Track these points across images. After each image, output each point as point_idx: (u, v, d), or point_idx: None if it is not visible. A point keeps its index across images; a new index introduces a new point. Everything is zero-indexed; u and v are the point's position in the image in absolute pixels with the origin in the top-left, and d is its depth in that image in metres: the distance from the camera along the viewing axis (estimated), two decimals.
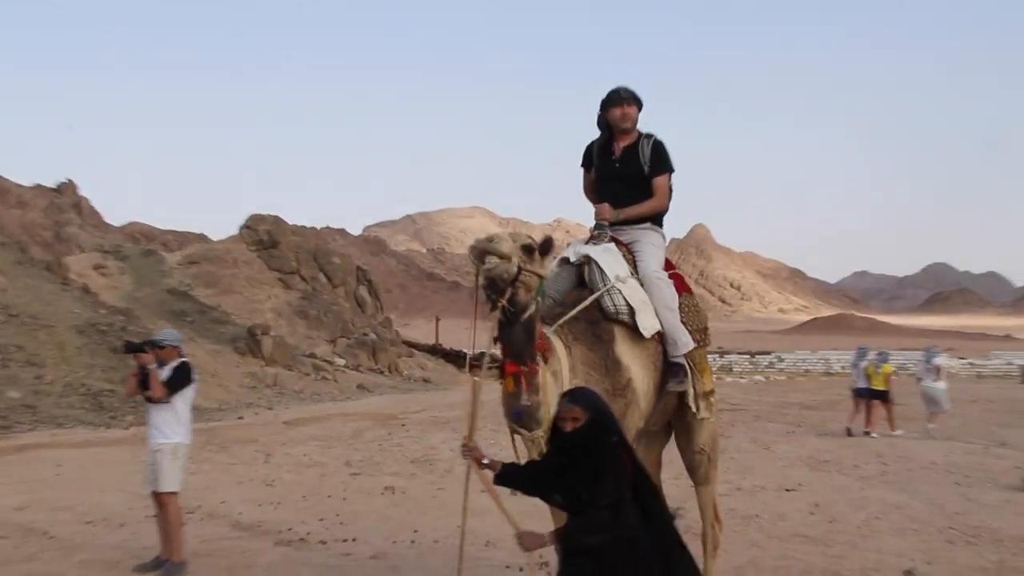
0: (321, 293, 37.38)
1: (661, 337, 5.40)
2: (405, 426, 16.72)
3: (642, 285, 5.45)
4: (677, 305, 5.54)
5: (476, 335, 4.72)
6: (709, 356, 6.09)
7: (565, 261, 5.58)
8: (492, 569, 6.97)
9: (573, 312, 5.16)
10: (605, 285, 5.30)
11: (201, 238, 76.69)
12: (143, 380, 6.84)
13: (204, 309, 31.15)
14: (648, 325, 5.29)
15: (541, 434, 4.50)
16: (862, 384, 16.92)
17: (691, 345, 5.50)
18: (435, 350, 40.29)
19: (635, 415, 5.14)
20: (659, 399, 5.42)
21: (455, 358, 37.86)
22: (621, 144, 5.80)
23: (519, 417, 4.67)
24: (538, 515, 5.29)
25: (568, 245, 5.80)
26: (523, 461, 4.47)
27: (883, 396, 16.64)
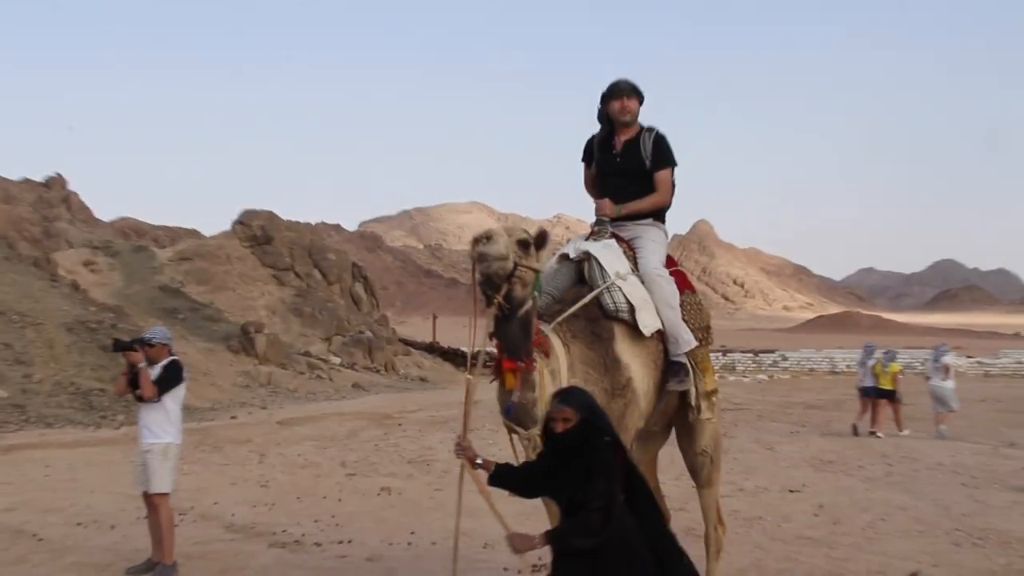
0: (316, 290, 37.37)
1: (662, 335, 5.40)
2: (402, 426, 16.73)
3: (643, 282, 5.46)
4: (678, 303, 5.54)
5: (475, 333, 4.74)
6: (711, 355, 6.10)
7: (565, 257, 5.59)
8: (490, 572, 6.99)
9: (572, 309, 5.17)
10: (605, 282, 5.30)
11: (193, 234, 76.64)
12: (133, 379, 6.84)
13: (196, 306, 31.13)
14: (648, 323, 5.29)
15: (537, 433, 4.52)
16: (869, 383, 16.95)
17: (693, 344, 5.50)
18: (432, 348, 40.30)
19: (635, 415, 5.15)
20: (660, 399, 5.43)
21: (453, 356, 37.87)
22: (622, 138, 5.80)
23: (509, 413, 4.69)
24: (537, 516, 5.31)
25: (568, 241, 5.81)
26: (521, 461, 4.48)
27: (890, 395, 16.67)
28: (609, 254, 5.45)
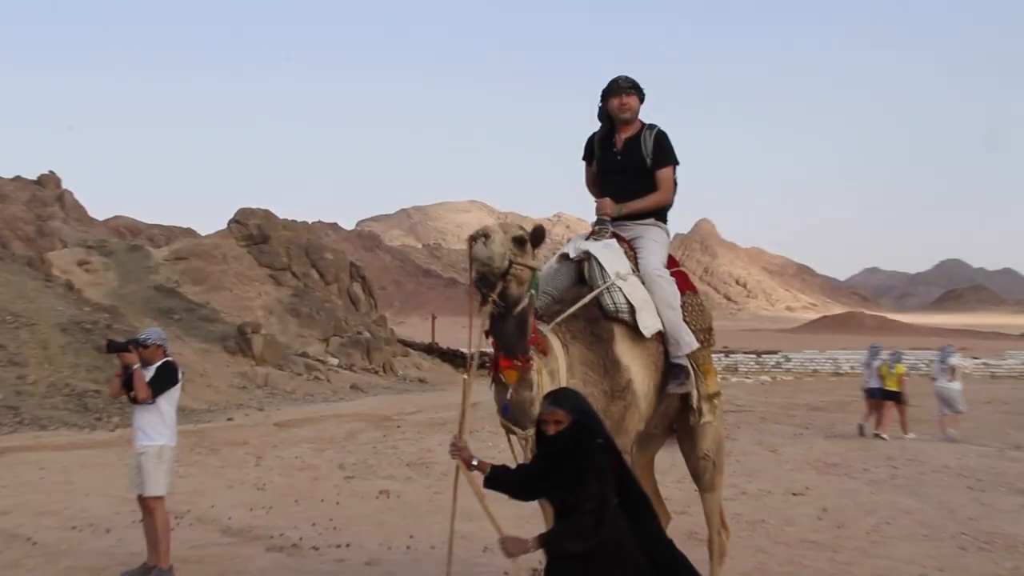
0: (313, 290, 37.36)
1: (662, 337, 5.40)
2: (400, 428, 16.74)
3: (643, 283, 5.45)
4: (679, 304, 5.54)
5: (471, 333, 4.75)
6: (714, 356, 6.10)
7: (565, 257, 5.58)
8: None
9: (571, 310, 5.17)
10: (605, 282, 5.30)
11: (189, 233, 76.63)
12: (127, 381, 6.85)
13: (192, 307, 31.12)
14: (649, 324, 5.28)
15: (534, 433, 4.55)
16: (874, 384, 16.94)
17: (694, 345, 5.50)
18: (431, 349, 40.29)
19: (635, 417, 5.14)
20: (660, 401, 5.42)
21: (452, 357, 37.88)
22: (623, 136, 5.80)
23: (507, 412, 4.70)
24: (537, 519, 5.31)
25: (569, 240, 5.81)
26: (519, 463, 4.49)
27: (896, 397, 16.67)
28: (609, 254, 5.45)
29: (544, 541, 3.70)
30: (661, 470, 6.49)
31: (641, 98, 5.82)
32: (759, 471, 12.17)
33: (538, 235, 4.72)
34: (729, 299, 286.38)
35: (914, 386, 17.70)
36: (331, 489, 10.68)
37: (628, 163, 5.74)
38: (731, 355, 43.69)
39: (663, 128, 5.80)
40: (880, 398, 16.75)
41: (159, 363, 6.93)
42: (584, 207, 5.82)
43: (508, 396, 4.70)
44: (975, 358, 43.15)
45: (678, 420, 5.81)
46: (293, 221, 43.73)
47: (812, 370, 39.95)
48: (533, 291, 4.74)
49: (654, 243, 5.71)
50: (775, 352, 46.45)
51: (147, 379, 6.80)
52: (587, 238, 5.64)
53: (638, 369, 5.20)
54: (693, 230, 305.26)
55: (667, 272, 5.62)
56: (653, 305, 5.38)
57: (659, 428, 5.79)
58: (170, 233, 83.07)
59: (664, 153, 5.73)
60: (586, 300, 5.23)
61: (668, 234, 5.91)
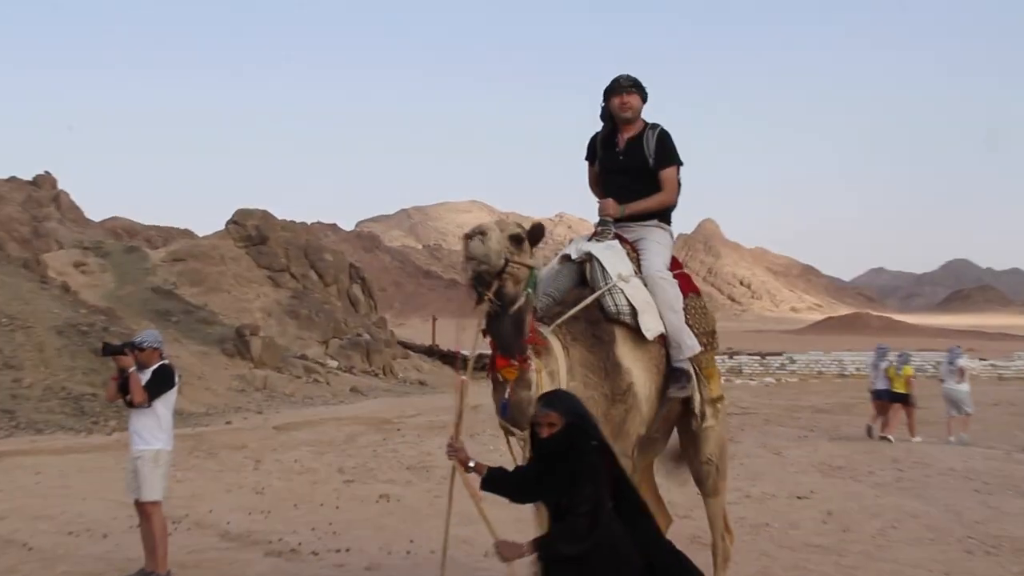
0: (312, 291, 37.39)
1: (664, 340, 5.40)
2: (400, 431, 16.75)
3: (646, 285, 5.45)
4: (682, 306, 5.52)
5: (471, 333, 4.75)
6: (717, 358, 6.09)
7: (566, 258, 5.58)
8: None
9: (572, 312, 5.16)
10: (607, 284, 5.29)
11: (186, 234, 76.68)
12: (123, 384, 6.85)
13: (190, 309, 31.15)
14: (651, 327, 5.28)
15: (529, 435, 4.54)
16: (881, 385, 16.93)
17: (696, 349, 5.48)
18: (431, 351, 40.30)
19: (636, 421, 5.13)
20: (662, 405, 5.42)
21: (452, 359, 37.86)
22: (625, 135, 5.79)
23: (505, 412, 4.69)
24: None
25: (571, 241, 5.81)
26: (517, 464, 4.49)
27: (904, 399, 16.64)
28: (611, 255, 5.44)
29: (538, 545, 3.71)
30: (664, 474, 6.49)
31: (643, 97, 5.80)
32: (763, 474, 12.17)
33: (536, 233, 4.71)
34: (733, 300, 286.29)
35: (920, 388, 17.71)
36: (330, 493, 10.68)
37: (630, 163, 5.73)
38: (735, 356, 43.70)
39: (666, 128, 5.79)
40: (887, 400, 16.75)
41: (155, 366, 6.93)
42: (586, 207, 5.83)
43: (506, 396, 4.70)
44: (982, 359, 43.14)
45: (680, 424, 5.80)
46: (292, 222, 43.81)
47: (817, 372, 39.95)
48: (531, 290, 4.73)
49: (657, 245, 5.70)
50: (780, 353, 46.46)
51: (143, 382, 6.80)
52: (589, 239, 5.63)
53: (640, 372, 5.19)
54: (697, 230, 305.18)
55: (670, 274, 5.61)
56: (655, 307, 5.37)
57: (660, 432, 5.78)
58: (167, 234, 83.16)
59: (667, 153, 5.71)
60: (587, 302, 5.22)
61: (672, 235, 5.89)
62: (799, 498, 10.57)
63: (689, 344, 5.43)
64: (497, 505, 4.31)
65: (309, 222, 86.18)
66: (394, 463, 12.97)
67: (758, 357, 43.88)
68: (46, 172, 71.82)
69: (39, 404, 17.33)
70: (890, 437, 16.03)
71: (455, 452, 4.34)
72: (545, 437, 3.79)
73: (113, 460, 12.10)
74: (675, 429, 5.92)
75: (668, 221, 5.89)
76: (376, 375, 32.03)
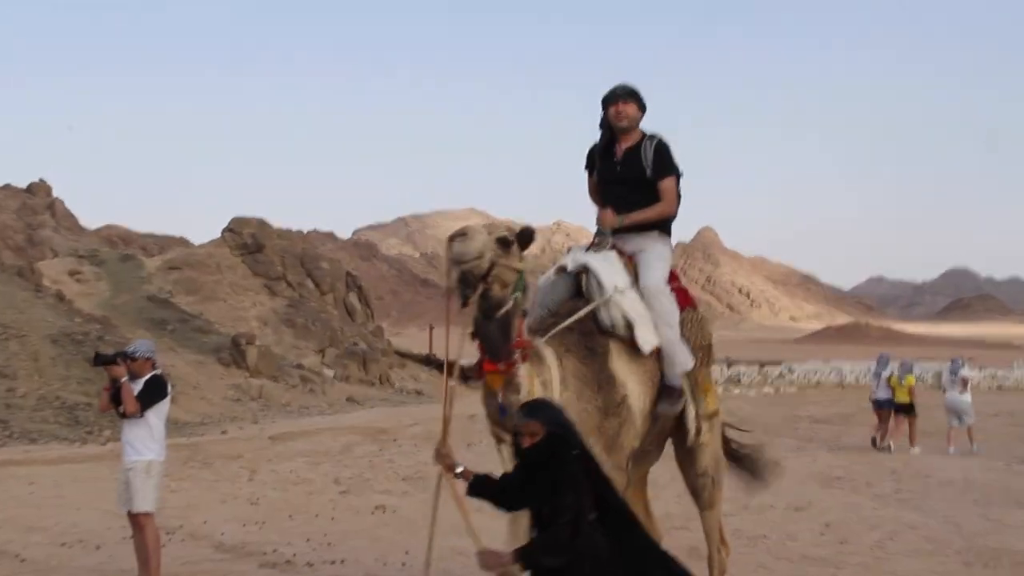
0: (309, 300, 37.37)
1: (659, 353, 5.40)
2: (397, 441, 16.74)
3: (642, 297, 5.44)
4: (678, 321, 5.52)
5: (448, 337, 4.73)
6: (716, 365, 6.10)
7: (562, 269, 5.58)
8: None
9: (566, 323, 5.15)
10: (602, 296, 5.28)
11: (182, 242, 76.58)
12: (115, 394, 6.85)
13: (185, 317, 31.11)
14: (646, 340, 5.26)
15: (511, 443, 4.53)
16: (883, 395, 16.91)
17: (689, 365, 5.47)
18: (429, 360, 40.24)
19: (630, 434, 5.12)
20: (655, 419, 5.42)
21: (463, 371, 37.73)
22: (623, 146, 5.78)
23: (504, 414, 4.67)
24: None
25: (569, 250, 5.81)
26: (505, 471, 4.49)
27: (908, 409, 16.60)
28: (608, 267, 5.42)
29: (520, 555, 3.71)
30: (660, 484, 6.50)
31: (641, 107, 5.78)
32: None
33: (525, 237, 4.67)
34: (732, 309, 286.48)
35: (920, 398, 17.68)
36: (326, 504, 10.68)
37: (628, 173, 5.71)
38: (733, 366, 43.67)
39: (665, 138, 5.77)
40: (888, 409, 16.73)
41: (148, 376, 6.92)
42: (584, 215, 5.81)
43: (500, 400, 4.69)
44: (982, 369, 43.12)
45: (675, 437, 5.80)
46: (288, 230, 43.74)
47: (816, 381, 39.90)
48: (519, 294, 4.70)
49: (656, 258, 5.66)
50: (778, 363, 46.42)
51: (136, 392, 6.80)
52: (586, 250, 5.62)
53: (634, 385, 5.19)
54: (696, 238, 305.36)
55: (667, 289, 5.59)
56: (651, 320, 5.36)
57: (654, 445, 5.78)
58: (163, 242, 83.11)
59: (665, 163, 5.69)
60: (581, 314, 5.21)
61: (671, 248, 5.88)
62: (797, 509, 10.58)
63: (681, 361, 5.42)
64: (490, 514, 4.31)
65: (305, 230, 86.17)
66: (390, 473, 12.96)
67: (757, 366, 43.83)
68: (41, 180, 71.73)
69: (33, 414, 17.29)
70: (891, 444, 16.03)
71: (442, 458, 4.34)
72: (526, 447, 3.80)
73: (107, 470, 12.06)
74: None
75: (668, 232, 5.87)
76: (373, 385, 31.97)
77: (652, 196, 5.70)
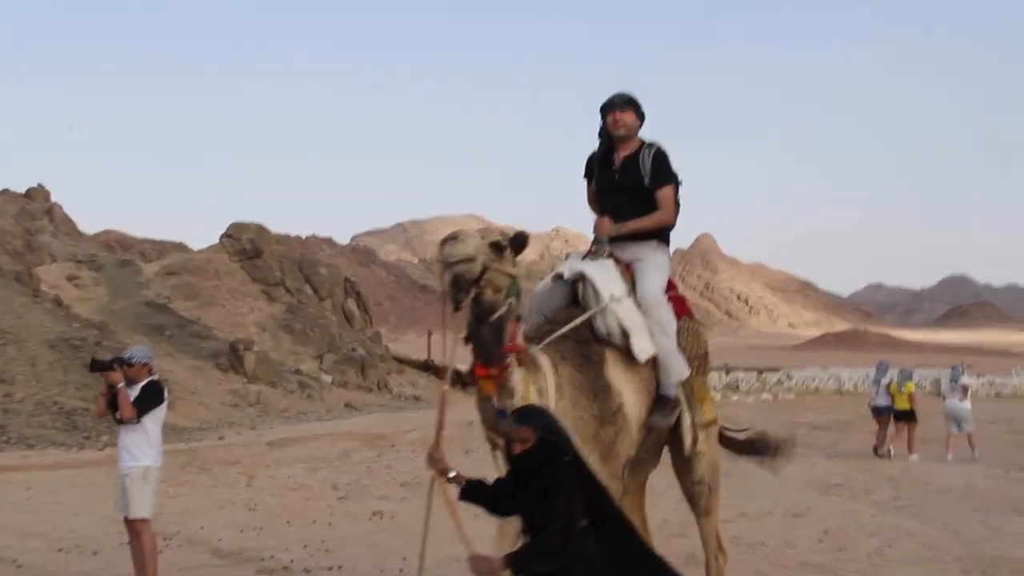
0: (307, 306, 37.37)
1: (655, 362, 5.40)
2: (395, 447, 16.72)
3: (639, 306, 5.43)
4: (675, 330, 5.51)
5: (444, 342, 4.73)
6: (714, 372, 6.10)
7: (559, 277, 5.58)
8: None
9: (561, 331, 5.15)
10: (598, 304, 5.28)
11: (180, 247, 76.64)
12: (112, 400, 6.84)
13: (183, 323, 31.11)
14: (642, 349, 5.26)
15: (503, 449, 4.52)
16: (882, 401, 16.90)
17: (685, 375, 5.47)
18: (427, 366, 40.21)
19: (626, 443, 5.12)
20: (651, 429, 5.41)
21: (457, 376, 37.67)
22: (621, 154, 5.78)
23: (502, 416, 4.67)
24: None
25: (567, 257, 5.81)
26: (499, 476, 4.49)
27: (909, 416, 16.57)
28: (604, 275, 5.42)
29: (512, 561, 3.71)
30: (658, 492, 6.49)
31: (639, 115, 5.78)
32: (759, 492, 12.14)
33: (518, 241, 4.68)
34: (730, 315, 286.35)
35: (918, 405, 17.68)
36: (324, 510, 10.67)
37: (626, 182, 5.72)
38: (732, 372, 43.61)
39: (664, 147, 5.77)
40: (888, 416, 16.72)
41: (144, 382, 6.92)
42: (583, 222, 5.80)
43: (496, 404, 4.68)
44: (980, 376, 43.10)
45: (671, 444, 5.79)
46: (286, 235, 43.81)
47: (814, 388, 39.86)
48: (513, 299, 4.71)
49: (654, 267, 5.66)
50: (777, 369, 46.37)
51: (132, 398, 6.79)
52: (583, 258, 5.63)
53: (630, 394, 5.19)
54: (694, 245, 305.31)
55: (665, 298, 5.58)
56: (647, 329, 5.35)
57: (650, 453, 5.77)
58: (161, 247, 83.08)
59: (662, 172, 5.70)
60: (576, 322, 5.21)
61: (670, 257, 5.88)
62: (795, 516, 10.57)
63: (677, 370, 5.43)
64: (486, 520, 4.30)
65: (304, 236, 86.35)
66: (388, 479, 12.95)
67: (755, 373, 43.78)
68: (39, 185, 71.73)
69: (30, 419, 17.28)
70: (891, 450, 16.03)
71: (435, 462, 4.34)
72: (518, 453, 3.79)
73: (105, 475, 12.05)
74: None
75: (667, 241, 5.86)
76: (371, 390, 31.97)
77: (650, 205, 5.70)
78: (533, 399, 4.70)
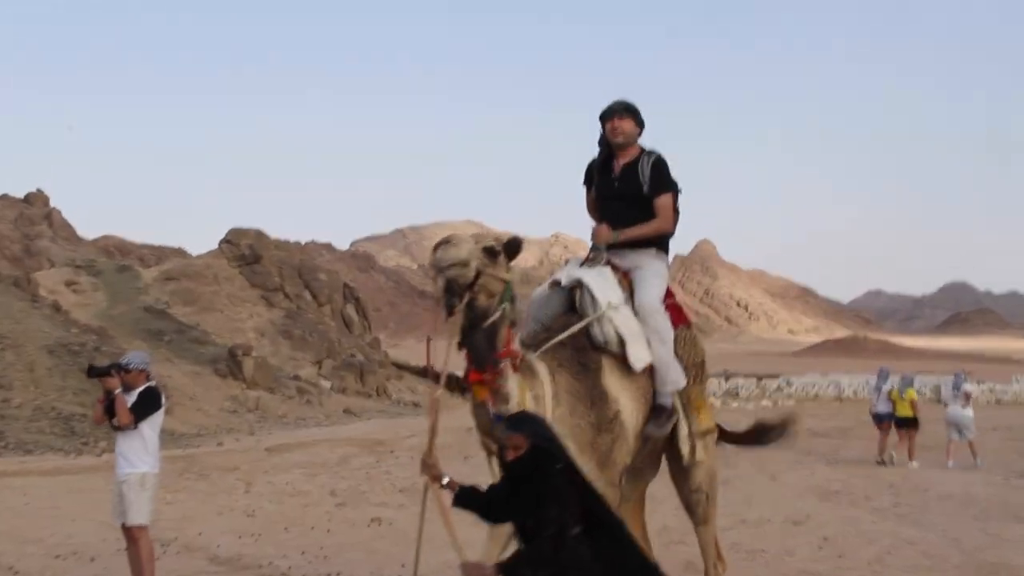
0: (306, 311, 37.38)
1: (653, 370, 5.40)
2: (394, 453, 16.71)
3: (636, 314, 5.43)
4: (672, 338, 5.51)
5: (428, 348, 4.73)
6: (713, 379, 6.10)
7: (556, 284, 5.58)
8: None
9: (558, 338, 5.15)
10: (596, 312, 5.27)
11: (179, 253, 76.55)
12: (109, 406, 6.83)
13: (182, 328, 31.11)
14: (639, 357, 5.26)
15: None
16: (883, 408, 16.88)
17: (681, 384, 5.47)
18: (426, 372, 40.14)
19: (623, 451, 5.11)
20: (647, 439, 5.41)
21: (451, 381, 37.67)
22: (621, 161, 5.79)
23: (499, 421, 4.66)
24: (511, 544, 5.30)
25: (567, 262, 5.81)
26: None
27: (912, 423, 16.54)
28: (602, 282, 5.41)
29: (504, 568, 3.70)
30: (659, 499, 6.48)
31: (639, 123, 5.78)
32: (758, 498, 12.15)
33: (512, 247, 4.69)
34: (730, 322, 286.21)
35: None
36: (322, 516, 10.66)
37: (625, 189, 5.71)
38: (731, 379, 43.62)
39: (663, 155, 5.78)
40: (889, 423, 16.70)
41: (142, 388, 6.91)
42: (583, 228, 5.80)
43: (492, 409, 4.68)
44: (980, 383, 43.08)
45: (668, 454, 5.79)
46: (286, 241, 43.84)
47: (814, 395, 39.85)
48: (507, 304, 4.71)
49: (652, 275, 5.66)
50: (776, 376, 46.36)
51: (130, 404, 6.78)
52: (581, 264, 5.63)
53: (627, 401, 5.18)
54: (694, 251, 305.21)
55: (662, 307, 5.58)
56: (644, 337, 5.35)
57: (647, 461, 5.77)
58: (160, 253, 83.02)
59: (661, 180, 5.69)
60: (573, 330, 5.21)
61: (668, 266, 5.88)
62: (795, 523, 10.55)
63: (673, 379, 5.43)
64: (481, 527, 4.30)
65: (303, 241, 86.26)
66: (387, 485, 12.94)
67: (755, 379, 43.78)
68: (38, 190, 71.82)
69: (29, 424, 17.28)
70: (893, 455, 16.02)
71: (428, 468, 4.33)
72: (511, 459, 3.79)
73: (103, 481, 12.03)
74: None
75: (665, 249, 5.86)
76: (369, 396, 31.96)
77: (649, 212, 5.69)
78: (529, 406, 4.70)
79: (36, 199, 70.36)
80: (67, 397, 18.95)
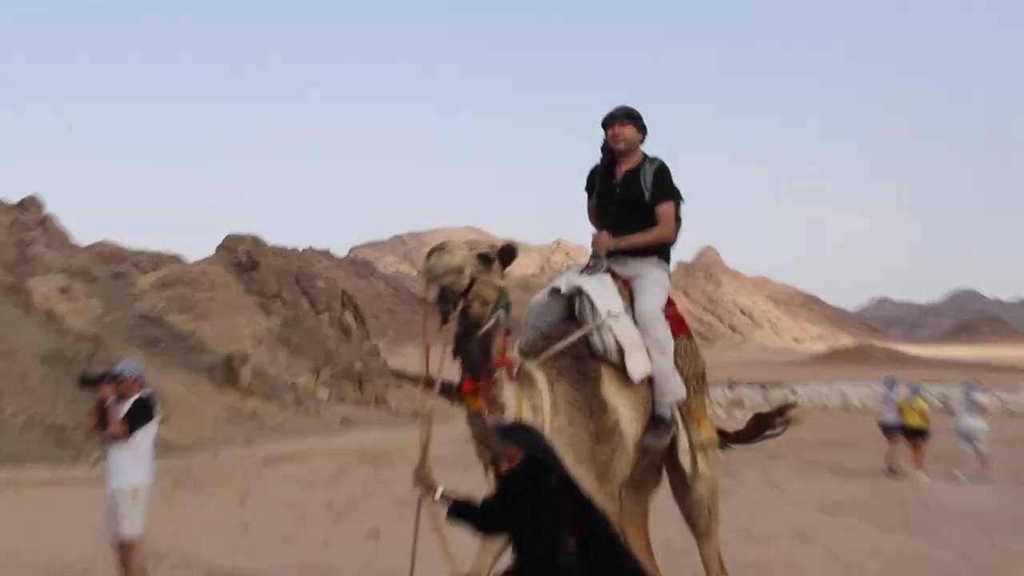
0: (304, 319, 37.32)
1: (651, 381, 5.36)
2: (392, 463, 16.66)
3: (636, 324, 5.39)
4: (672, 349, 5.48)
5: (433, 355, 4.71)
6: (718, 387, 6.07)
7: (556, 291, 5.55)
8: None
9: (557, 347, 5.13)
10: (595, 320, 5.25)
11: (175, 259, 76.47)
12: (102, 416, 6.79)
13: (178, 336, 31.09)
14: (637, 368, 5.23)
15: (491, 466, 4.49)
16: (891, 418, 16.82)
17: (681, 394, 5.45)
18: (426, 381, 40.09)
19: (622, 462, 5.08)
20: (646, 450, 5.38)
21: (447, 390, 37.68)
22: (623, 168, 5.79)
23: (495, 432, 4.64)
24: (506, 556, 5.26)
25: (567, 269, 5.79)
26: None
27: (921, 433, 16.47)
28: (602, 290, 5.40)
29: None
30: (662, 509, 6.41)
31: (641, 129, 5.80)
32: (764, 511, 12.09)
33: (507, 254, 4.68)
34: (734, 329, 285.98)
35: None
36: (319, 529, 10.61)
37: (627, 196, 5.71)
38: (735, 388, 43.53)
39: (666, 162, 5.77)
40: (897, 433, 16.65)
41: (135, 397, 6.87)
42: (584, 234, 5.80)
43: (488, 420, 4.65)
44: (988, 392, 42.97)
45: (668, 465, 5.75)
46: (283, 247, 43.79)
47: (821, 405, 39.76)
48: (502, 311, 4.69)
49: (653, 284, 5.64)
50: (781, 385, 46.30)
51: (123, 413, 6.74)
52: (580, 272, 5.61)
53: (626, 411, 5.15)
54: (697, 258, 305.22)
55: (663, 317, 5.56)
56: (644, 347, 5.32)
57: (647, 473, 5.74)
58: (156, 259, 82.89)
59: (663, 187, 5.69)
60: (572, 339, 5.19)
61: (670, 275, 5.86)
62: (801, 536, 10.50)
63: (673, 390, 5.40)
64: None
65: (301, 248, 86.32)
66: (385, 497, 12.88)
67: (759, 388, 43.71)
68: (33, 195, 71.77)
69: (20, 435, 17.22)
70: (903, 465, 15.97)
71: (422, 480, 4.31)
72: (505, 471, 3.77)
73: (96, 494, 11.92)
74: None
75: (667, 258, 5.84)
76: (368, 405, 31.91)
77: (651, 220, 5.69)
78: (527, 415, 4.68)
79: (31, 204, 70.30)
80: (60, 407, 18.87)
